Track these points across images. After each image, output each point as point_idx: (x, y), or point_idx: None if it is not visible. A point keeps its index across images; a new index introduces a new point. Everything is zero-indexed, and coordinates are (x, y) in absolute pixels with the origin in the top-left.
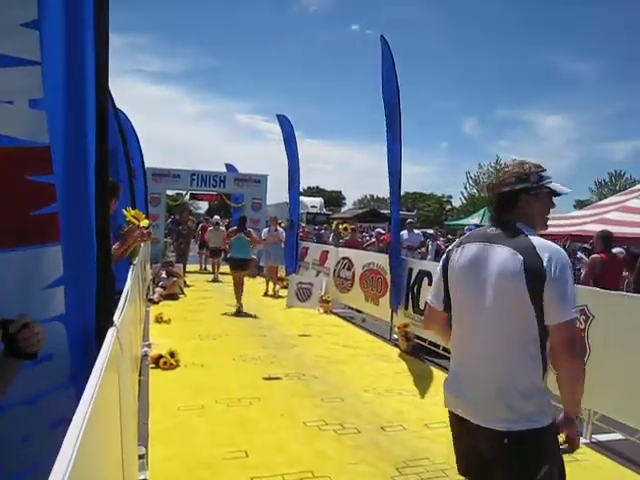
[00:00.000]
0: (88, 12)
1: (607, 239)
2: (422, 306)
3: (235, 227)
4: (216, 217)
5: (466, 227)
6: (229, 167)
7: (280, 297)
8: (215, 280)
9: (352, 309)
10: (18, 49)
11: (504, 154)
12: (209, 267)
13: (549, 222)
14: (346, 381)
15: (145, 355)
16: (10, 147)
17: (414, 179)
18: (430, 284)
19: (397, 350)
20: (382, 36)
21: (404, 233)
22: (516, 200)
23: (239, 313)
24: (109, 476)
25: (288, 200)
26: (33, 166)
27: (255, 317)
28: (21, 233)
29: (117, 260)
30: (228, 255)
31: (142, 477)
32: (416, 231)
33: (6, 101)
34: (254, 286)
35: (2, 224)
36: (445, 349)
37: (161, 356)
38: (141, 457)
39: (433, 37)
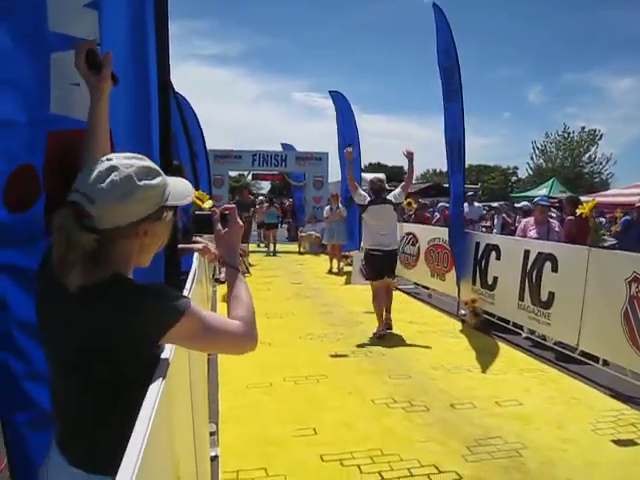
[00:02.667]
0: None
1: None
2: (490, 281)
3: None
4: (260, 197)
5: (536, 198)
6: (286, 146)
7: (344, 274)
8: (273, 254)
9: (418, 285)
10: (81, 30)
11: (572, 122)
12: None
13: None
14: (414, 358)
15: None
16: (78, 129)
17: (477, 151)
18: (498, 258)
19: (465, 326)
20: (434, 4)
21: (464, 206)
22: None
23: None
24: (181, 453)
25: (340, 178)
26: None
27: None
28: None
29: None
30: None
31: (213, 454)
32: (476, 204)
33: (73, 83)
34: (318, 264)
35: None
36: (515, 324)
37: None
38: (212, 434)
39: (492, 2)
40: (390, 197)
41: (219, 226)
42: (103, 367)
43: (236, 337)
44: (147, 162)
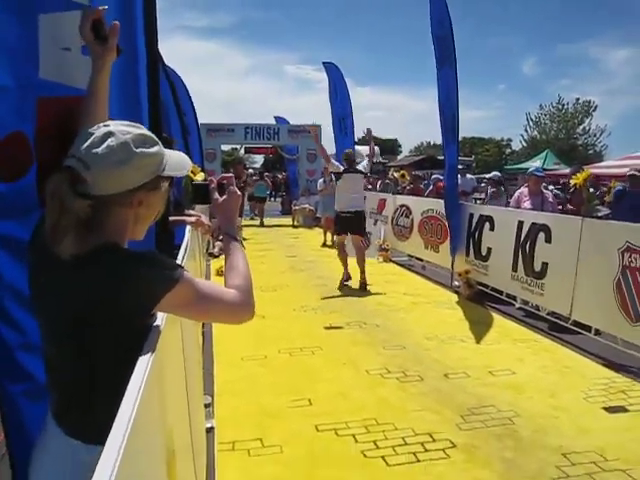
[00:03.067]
0: None
1: None
2: (484, 252)
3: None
4: (250, 171)
5: (530, 169)
6: (279, 120)
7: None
8: (261, 225)
9: (412, 257)
10: None
11: (567, 93)
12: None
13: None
14: (407, 329)
15: None
16: (70, 96)
17: (471, 124)
18: (492, 230)
19: (459, 297)
20: None
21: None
22: None
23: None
24: (174, 424)
25: (335, 150)
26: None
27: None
28: None
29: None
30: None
31: (209, 425)
32: (469, 176)
33: (64, 48)
34: (312, 237)
35: None
36: (508, 295)
37: None
38: (207, 406)
39: None
40: (360, 167)
41: (216, 195)
42: (96, 335)
43: (232, 306)
44: (144, 130)
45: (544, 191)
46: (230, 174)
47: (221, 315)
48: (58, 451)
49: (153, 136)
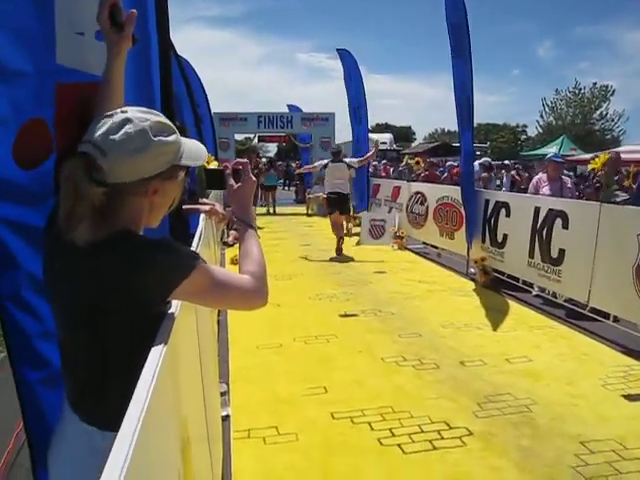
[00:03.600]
0: None
1: None
2: (500, 239)
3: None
4: (263, 160)
5: (549, 154)
6: (292, 108)
7: (353, 235)
8: (273, 213)
9: (427, 244)
10: None
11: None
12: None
13: None
14: (423, 317)
15: None
16: (86, 82)
17: (486, 109)
18: (508, 216)
19: (474, 284)
20: None
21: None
22: None
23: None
24: (189, 412)
25: (351, 137)
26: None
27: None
28: None
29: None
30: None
31: (225, 413)
32: (476, 163)
33: (78, 32)
34: (326, 225)
35: None
36: (525, 282)
37: None
38: (223, 394)
39: None
40: (345, 160)
41: (231, 181)
42: (111, 322)
43: (246, 292)
44: (162, 118)
45: (563, 177)
46: (245, 160)
47: (235, 302)
48: (74, 437)
49: (171, 124)
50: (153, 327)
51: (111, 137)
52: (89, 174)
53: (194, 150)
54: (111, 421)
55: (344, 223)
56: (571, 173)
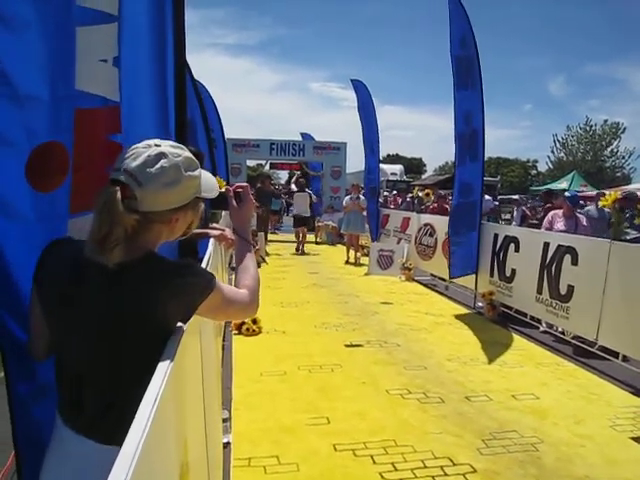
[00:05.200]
0: None
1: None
2: (508, 273)
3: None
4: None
5: (566, 192)
6: (305, 136)
7: (361, 265)
8: (301, 252)
9: (435, 276)
10: (106, 4)
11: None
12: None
13: None
14: (429, 349)
15: (228, 321)
16: (104, 107)
17: (497, 143)
18: (517, 251)
19: (482, 318)
20: None
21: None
22: None
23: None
24: (189, 436)
25: (361, 167)
26: (110, 125)
27: (334, 283)
28: None
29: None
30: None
31: (225, 440)
32: (487, 197)
33: (101, 59)
34: (335, 254)
35: (87, 185)
36: (532, 318)
37: (244, 323)
38: (225, 420)
39: None
40: (308, 190)
41: (234, 202)
42: (130, 339)
43: (245, 305)
44: (189, 154)
45: (578, 214)
46: (245, 183)
47: (236, 313)
48: (69, 451)
49: (195, 160)
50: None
51: (148, 170)
52: (125, 202)
53: (209, 182)
54: (111, 435)
55: (305, 232)
56: (591, 207)
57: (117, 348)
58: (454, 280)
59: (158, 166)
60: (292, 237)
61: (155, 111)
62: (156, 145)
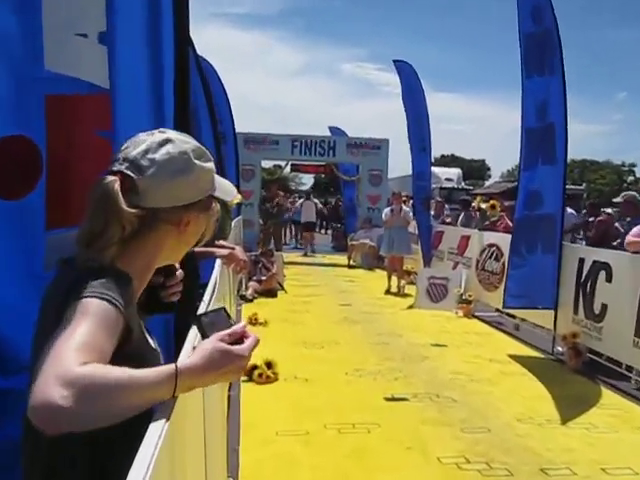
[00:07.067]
0: None
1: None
2: (597, 309)
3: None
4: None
5: None
6: (335, 131)
7: (406, 296)
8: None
9: (501, 312)
10: None
11: None
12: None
13: None
14: (494, 406)
15: None
16: (86, 95)
17: (581, 143)
18: (609, 281)
19: (562, 367)
20: None
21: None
22: None
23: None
24: None
25: (411, 172)
26: (98, 117)
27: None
28: None
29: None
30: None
31: None
32: (569, 210)
33: (79, 34)
34: (373, 281)
35: (69, 193)
36: (628, 367)
37: (256, 367)
38: None
39: None
40: (313, 199)
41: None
42: None
43: (48, 379)
44: (199, 144)
45: None
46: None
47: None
48: None
49: (207, 151)
50: None
51: (151, 156)
52: (124, 195)
53: (224, 184)
54: None
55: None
56: None
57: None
58: (527, 317)
59: (163, 151)
60: (325, 259)
61: (150, 99)
62: (160, 132)
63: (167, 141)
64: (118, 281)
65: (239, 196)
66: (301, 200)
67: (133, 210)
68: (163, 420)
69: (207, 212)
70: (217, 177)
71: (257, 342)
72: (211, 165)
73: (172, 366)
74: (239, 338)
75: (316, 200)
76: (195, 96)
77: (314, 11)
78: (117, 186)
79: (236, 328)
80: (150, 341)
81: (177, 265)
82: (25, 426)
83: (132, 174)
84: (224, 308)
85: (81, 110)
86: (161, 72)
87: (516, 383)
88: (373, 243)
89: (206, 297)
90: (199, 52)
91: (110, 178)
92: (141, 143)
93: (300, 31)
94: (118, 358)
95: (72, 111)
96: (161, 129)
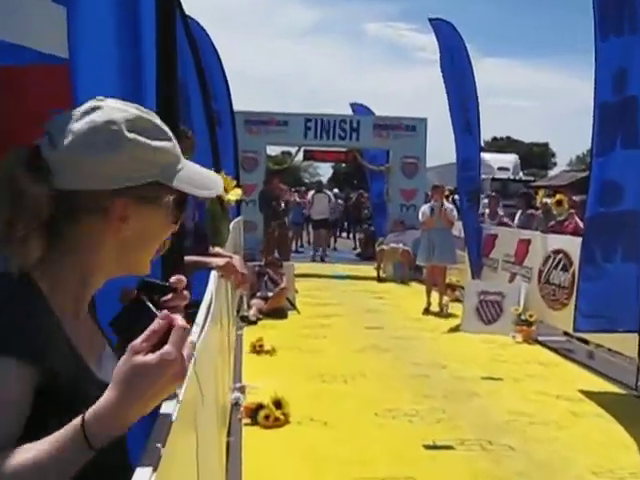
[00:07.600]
0: None
1: None
2: None
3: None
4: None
5: None
6: (358, 108)
7: (450, 316)
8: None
9: (571, 336)
10: None
11: None
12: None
13: None
14: (563, 456)
15: (236, 404)
16: (35, 65)
17: None
18: None
19: None
20: None
21: None
22: None
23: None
24: None
25: (455, 159)
26: (53, 93)
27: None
28: None
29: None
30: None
31: None
32: None
33: None
34: (408, 298)
35: None
36: None
37: (261, 406)
38: None
39: None
40: (327, 192)
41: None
42: None
43: None
44: (154, 118)
45: None
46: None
47: None
48: None
49: (166, 129)
50: None
51: (69, 126)
52: (32, 170)
53: (200, 175)
54: None
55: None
56: None
57: None
58: (603, 343)
59: (85, 120)
60: (347, 268)
61: (122, 72)
62: (97, 99)
63: (95, 109)
64: (29, 304)
65: (239, 191)
66: (312, 193)
67: (44, 185)
68: (149, 469)
69: (150, 205)
70: (190, 164)
71: (185, 330)
72: (163, 144)
73: (78, 419)
74: (166, 331)
75: (329, 192)
76: (183, 67)
77: None
78: (22, 162)
79: (154, 324)
80: (99, 373)
81: (184, 280)
82: None
83: (44, 147)
84: (140, 293)
85: (31, 84)
86: (139, 37)
87: (591, 426)
88: (407, 248)
89: (199, 319)
90: (187, 12)
91: (14, 154)
92: (68, 113)
93: None
94: (51, 412)
95: (18, 85)
96: (100, 97)
